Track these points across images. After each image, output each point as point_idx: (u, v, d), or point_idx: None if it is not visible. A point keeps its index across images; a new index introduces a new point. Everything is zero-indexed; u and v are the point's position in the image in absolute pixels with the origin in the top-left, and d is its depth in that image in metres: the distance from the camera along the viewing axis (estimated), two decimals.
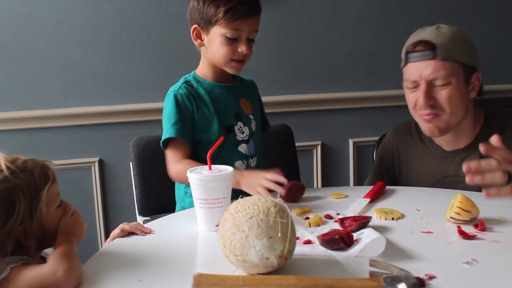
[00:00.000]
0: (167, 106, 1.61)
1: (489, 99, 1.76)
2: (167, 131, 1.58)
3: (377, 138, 2.34)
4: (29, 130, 2.31)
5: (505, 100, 2.57)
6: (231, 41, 1.56)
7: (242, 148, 1.66)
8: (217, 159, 1.44)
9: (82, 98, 2.35)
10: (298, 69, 2.52)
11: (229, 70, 1.63)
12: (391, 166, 1.76)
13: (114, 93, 2.37)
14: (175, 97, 1.60)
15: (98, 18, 2.32)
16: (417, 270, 0.97)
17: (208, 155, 1.31)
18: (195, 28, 1.61)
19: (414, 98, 1.55)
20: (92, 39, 2.32)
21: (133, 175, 2.04)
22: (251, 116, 1.71)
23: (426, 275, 0.96)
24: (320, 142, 2.60)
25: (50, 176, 1.11)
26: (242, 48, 1.56)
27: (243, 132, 1.66)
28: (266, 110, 2.49)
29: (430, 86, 1.52)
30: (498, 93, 2.65)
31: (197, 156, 1.61)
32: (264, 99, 2.50)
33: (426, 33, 1.54)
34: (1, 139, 2.26)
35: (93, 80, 2.35)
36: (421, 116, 1.56)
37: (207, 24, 1.58)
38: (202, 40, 1.62)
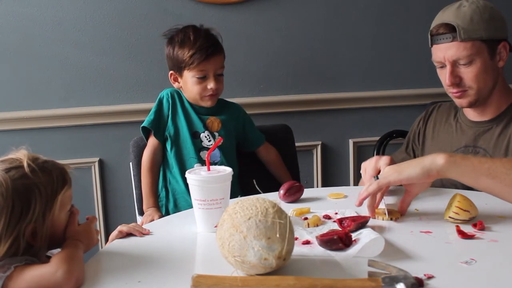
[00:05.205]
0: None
1: None
2: (145, 121, 1.92)
3: (377, 138, 2.34)
4: (29, 130, 2.31)
5: None
6: (201, 80, 1.84)
7: (204, 154, 1.89)
8: (181, 157, 1.88)
9: (82, 98, 2.35)
10: (298, 69, 2.52)
11: (203, 104, 1.90)
12: (420, 133, 1.81)
13: (114, 93, 2.37)
14: (160, 97, 1.94)
15: (98, 18, 2.32)
16: (416, 270, 0.97)
17: (206, 156, 1.31)
18: (171, 73, 1.91)
19: (443, 77, 1.62)
20: (92, 39, 2.32)
21: (133, 175, 2.05)
22: (216, 133, 1.93)
23: (424, 275, 0.97)
24: (320, 142, 2.59)
25: (67, 180, 1.11)
26: (211, 85, 1.84)
27: (209, 140, 1.90)
28: (266, 110, 2.51)
29: (455, 66, 1.59)
30: None
31: (165, 150, 1.92)
32: (264, 99, 2.52)
33: (446, 15, 1.59)
34: (1, 139, 2.26)
35: (93, 80, 2.35)
36: (451, 93, 1.63)
37: (179, 69, 1.87)
38: (179, 83, 1.91)
